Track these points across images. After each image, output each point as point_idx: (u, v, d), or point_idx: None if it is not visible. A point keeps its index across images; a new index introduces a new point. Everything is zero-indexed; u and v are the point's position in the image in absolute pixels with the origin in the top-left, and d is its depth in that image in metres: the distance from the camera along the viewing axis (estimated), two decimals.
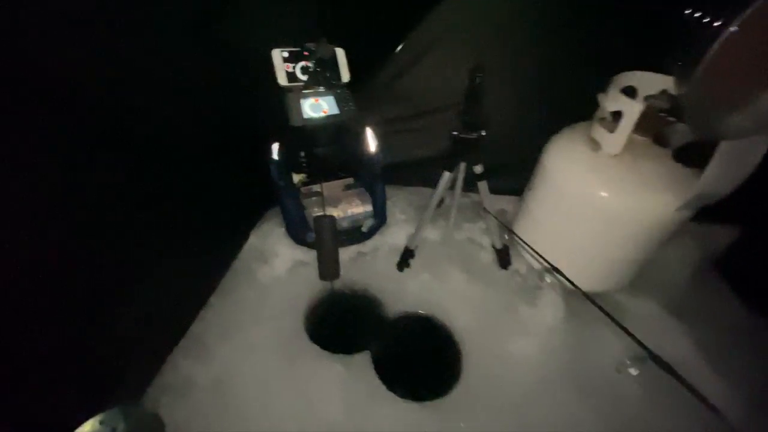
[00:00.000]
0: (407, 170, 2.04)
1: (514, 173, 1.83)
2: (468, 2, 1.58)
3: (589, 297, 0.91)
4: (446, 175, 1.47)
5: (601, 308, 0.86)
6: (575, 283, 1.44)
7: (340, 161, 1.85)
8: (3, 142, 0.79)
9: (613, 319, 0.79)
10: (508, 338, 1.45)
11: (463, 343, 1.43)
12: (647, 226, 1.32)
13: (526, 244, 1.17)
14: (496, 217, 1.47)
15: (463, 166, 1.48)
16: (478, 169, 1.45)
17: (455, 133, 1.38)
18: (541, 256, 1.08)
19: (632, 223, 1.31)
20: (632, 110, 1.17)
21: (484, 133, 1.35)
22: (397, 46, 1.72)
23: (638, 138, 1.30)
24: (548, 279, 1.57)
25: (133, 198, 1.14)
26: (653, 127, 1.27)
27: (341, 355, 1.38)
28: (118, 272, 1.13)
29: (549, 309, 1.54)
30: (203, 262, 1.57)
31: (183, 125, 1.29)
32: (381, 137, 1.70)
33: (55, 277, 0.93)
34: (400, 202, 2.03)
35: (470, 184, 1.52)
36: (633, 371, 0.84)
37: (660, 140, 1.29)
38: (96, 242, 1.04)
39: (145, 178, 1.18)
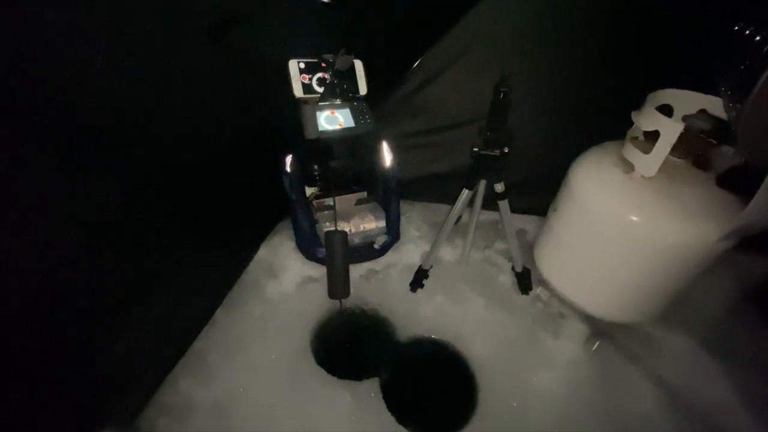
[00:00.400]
0: (423, 185, 1.98)
1: (536, 191, 1.75)
2: (491, 17, 1.53)
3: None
4: (465, 193, 1.40)
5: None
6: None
7: (355, 174, 1.80)
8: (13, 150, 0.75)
9: None
10: (529, 370, 1.35)
11: (480, 373, 1.34)
12: (684, 256, 1.22)
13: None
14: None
15: (483, 183, 1.41)
16: (499, 187, 1.37)
17: (476, 149, 1.31)
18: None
19: (667, 251, 1.21)
20: (671, 130, 1.08)
21: (506, 151, 1.28)
22: (416, 60, 1.68)
23: (675, 160, 1.21)
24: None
25: (139, 206, 1.10)
26: (692, 149, 1.18)
27: (349, 381, 1.30)
28: (119, 283, 1.08)
29: (573, 340, 1.43)
30: (211, 274, 1.52)
31: (194, 133, 1.26)
32: (397, 151, 1.64)
33: (52, 285, 0.89)
34: (414, 218, 1.96)
35: (490, 202, 1.45)
36: None
37: (701, 163, 1.19)
38: (98, 252, 0.99)
39: (153, 187, 1.14)
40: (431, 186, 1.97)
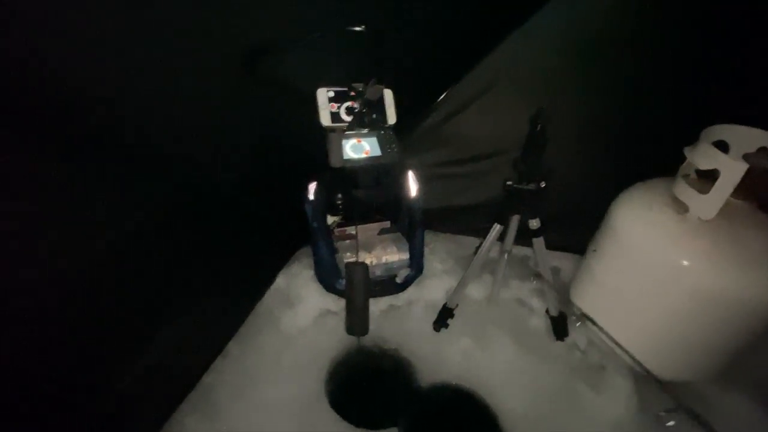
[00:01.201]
0: (448, 216, 1.90)
1: (571, 227, 1.63)
2: (524, 47, 1.49)
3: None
4: (497, 228, 1.31)
5: None
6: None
7: (378, 203, 1.74)
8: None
9: None
10: (568, 430, 1.20)
11: (510, 430, 1.20)
12: (747, 309, 1.08)
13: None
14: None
15: (516, 219, 1.32)
16: (534, 224, 1.28)
17: (510, 183, 1.24)
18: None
19: (727, 303, 1.08)
20: (733, 170, 0.97)
21: (543, 185, 1.19)
22: (446, 90, 1.65)
23: (735, 202, 1.09)
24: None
25: (151, 229, 1.05)
26: (756, 190, 1.07)
27: (365, 431, 1.19)
28: (127, 311, 1.02)
29: (617, 397, 1.28)
30: (226, 303, 1.47)
31: (215, 156, 1.23)
32: (423, 181, 1.58)
33: (51, 311, 0.83)
34: (438, 250, 1.86)
35: (522, 238, 1.36)
36: None
37: (767, 207, 1.07)
38: (105, 277, 0.94)
39: (167, 209, 1.10)
40: (457, 217, 1.89)
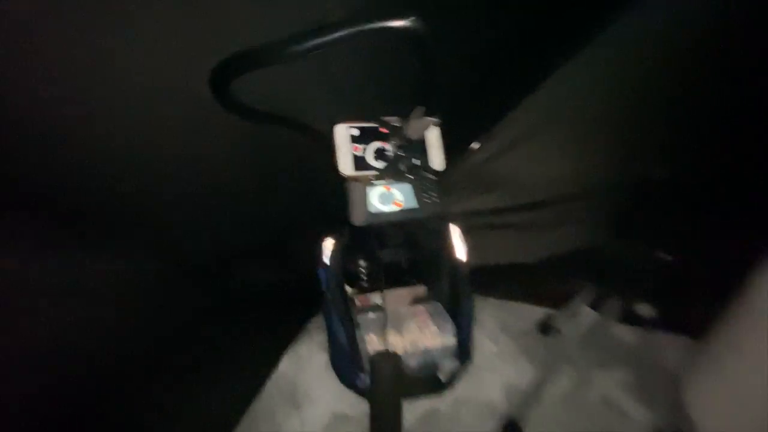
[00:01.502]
0: (497, 277, 1.51)
1: (674, 300, 1.23)
2: (599, 70, 1.16)
3: None
4: (588, 315, 0.93)
5: None
6: None
7: (409, 262, 1.39)
8: None
9: None
10: None
11: None
12: None
13: None
14: None
15: (615, 300, 0.94)
16: (646, 310, 0.90)
17: (607, 249, 0.87)
18: None
19: None
20: None
21: (670, 258, 0.82)
22: (495, 121, 1.33)
23: None
24: None
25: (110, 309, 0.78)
26: None
27: None
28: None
29: None
30: (212, 401, 1.11)
31: (204, 201, 0.94)
32: (466, 233, 1.23)
33: None
34: (487, 322, 1.46)
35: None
36: None
37: None
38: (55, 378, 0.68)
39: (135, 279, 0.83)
40: (509, 279, 1.50)
